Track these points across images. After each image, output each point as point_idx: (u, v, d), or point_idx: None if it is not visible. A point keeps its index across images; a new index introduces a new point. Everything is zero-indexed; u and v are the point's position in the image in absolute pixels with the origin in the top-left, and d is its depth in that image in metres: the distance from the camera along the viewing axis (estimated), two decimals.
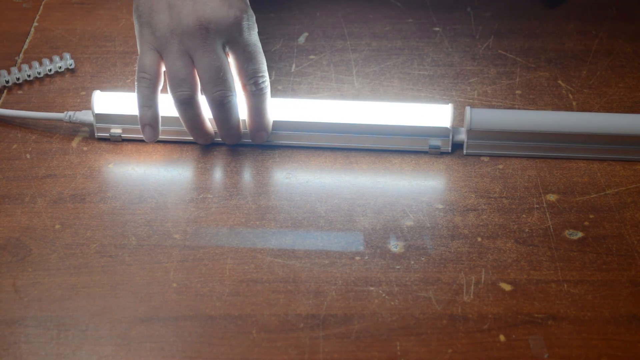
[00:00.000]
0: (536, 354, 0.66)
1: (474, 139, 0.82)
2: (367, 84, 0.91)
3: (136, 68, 0.79)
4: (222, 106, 0.78)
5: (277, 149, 0.83)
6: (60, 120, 0.84)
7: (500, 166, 0.82)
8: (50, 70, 0.91)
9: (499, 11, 1.01)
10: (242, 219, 0.76)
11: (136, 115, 0.81)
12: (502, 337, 0.67)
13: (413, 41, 0.97)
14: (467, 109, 0.81)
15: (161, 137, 0.82)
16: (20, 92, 0.90)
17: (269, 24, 0.99)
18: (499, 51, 0.95)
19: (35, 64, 0.91)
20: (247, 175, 0.81)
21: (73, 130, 0.85)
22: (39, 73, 0.91)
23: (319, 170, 0.81)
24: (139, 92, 0.79)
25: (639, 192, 0.79)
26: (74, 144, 0.84)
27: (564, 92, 0.90)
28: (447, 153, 0.83)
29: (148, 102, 0.79)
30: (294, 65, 0.93)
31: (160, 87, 0.80)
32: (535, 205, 0.78)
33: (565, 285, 0.71)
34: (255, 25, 0.79)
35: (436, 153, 0.83)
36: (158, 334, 0.67)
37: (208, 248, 0.74)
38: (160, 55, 0.78)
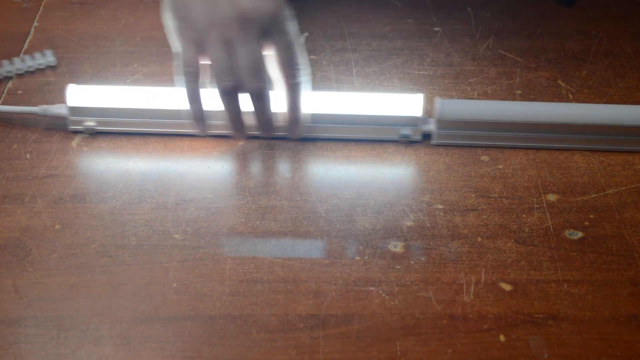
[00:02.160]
0: (536, 354, 0.66)
1: (443, 129, 0.83)
2: (367, 84, 0.91)
3: (179, 63, 0.79)
4: (260, 97, 0.79)
5: (278, 149, 0.83)
6: (35, 114, 0.85)
7: (500, 166, 0.82)
8: (30, 67, 0.92)
9: (499, 11, 1.01)
10: (242, 219, 0.76)
11: (109, 108, 0.82)
12: (502, 337, 0.67)
13: (413, 41, 0.97)
14: (437, 99, 0.82)
15: (161, 130, 0.83)
16: (20, 92, 0.90)
17: None
18: (499, 51, 0.95)
19: (17, 60, 0.92)
20: (247, 175, 0.81)
21: (73, 130, 0.85)
22: (20, 70, 0.92)
23: (318, 164, 0.81)
24: (188, 87, 0.79)
25: (639, 192, 0.79)
26: (74, 144, 0.84)
27: (564, 92, 0.90)
28: (417, 142, 0.84)
29: (196, 96, 0.80)
30: None
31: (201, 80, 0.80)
32: (535, 205, 0.78)
33: (565, 285, 0.71)
34: (292, 19, 0.79)
35: (406, 142, 0.84)
36: (158, 334, 0.67)
37: (208, 248, 0.74)
38: (200, 49, 0.78)
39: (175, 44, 0.79)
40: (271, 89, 0.79)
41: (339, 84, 0.91)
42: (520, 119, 0.82)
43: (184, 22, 0.78)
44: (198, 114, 0.80)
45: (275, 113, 0.81)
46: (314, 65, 0.93)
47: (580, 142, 0.83)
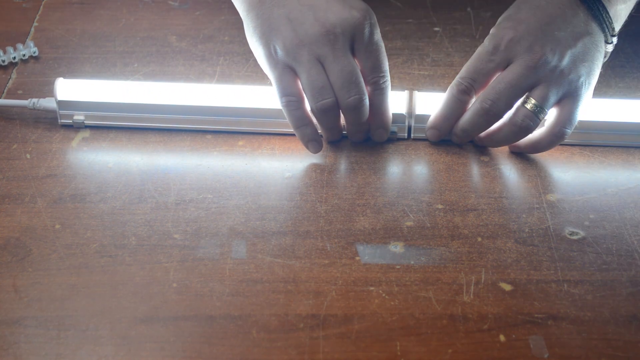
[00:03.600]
0: (536, 354, 0.66)
1: (420, 123, 0.83)
2: None
3: (277, 92, 0.79)
4: (357, 110, 0.79)
5: (277, 149, 0.83)
6: (24, 107, 0.85)
7: (500, 166, 0.82)
8: (14, 58, 0.93)
9: (499, 11, 1.01)
10: (242, 219, 0.76)
11: (100, 102, 0.83)
12: (502, 337, 0.67)
13: (413, 41, 0.97)
14: (414, 93, 0.84)
15: (151, 125, 0.84)
16: (20, 91, 0.90)
17: None
18: None
19: None
20: (247, 175, 0.81)
21: (73, 130, 0.85)
22: (3, 61, 0.92)
23: (318, 164, 0.81)
24: (291, 116, 0.79)
25: (639, 192, 0.79)
26: (74, 144, 0.84)
27: None
28: (403, 139, 0.84)
29: (304, 121, 0.79)
30: None
31: (306, 101, 0.79)
32: (535, 205, 0.78)
33: (565, 285, 0.71)
34: (377, 24, 0.79)
35: (393, 139, 0.84)
36: (158, 334, 0.67)
37: (208, 248, 0.74)
38: (294, 71, 0.78)
39: (268, 72, 0.79)
40: (367, 98, 0.79)
41: None
42: None
43: (272, 47, 0.78)
44: (308, 137, 0.80)
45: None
46: None
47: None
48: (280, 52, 0.78)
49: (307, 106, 0.79)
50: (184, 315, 0.69)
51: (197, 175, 0.81)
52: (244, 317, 0.68)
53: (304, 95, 0.79)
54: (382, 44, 0.79)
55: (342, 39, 0.77)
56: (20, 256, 0.73)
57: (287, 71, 0.78)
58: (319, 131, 0.81)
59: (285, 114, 0.79)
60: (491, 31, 0.80)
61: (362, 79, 0.78)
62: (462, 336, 0.67)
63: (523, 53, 0.78)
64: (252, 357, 0.66)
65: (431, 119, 0.82)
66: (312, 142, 0.80)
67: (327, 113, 0.78)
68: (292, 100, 0.78)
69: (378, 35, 0.79)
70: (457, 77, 0.80)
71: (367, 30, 0.77)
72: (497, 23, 0.81)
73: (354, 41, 0.77)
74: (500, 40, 0.79)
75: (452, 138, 0.83)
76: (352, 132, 0.82)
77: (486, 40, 0.80)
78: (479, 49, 0.80)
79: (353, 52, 0.78)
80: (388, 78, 0.80)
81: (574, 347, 0.66)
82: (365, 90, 0.79)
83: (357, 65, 0.78)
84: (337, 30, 0.76)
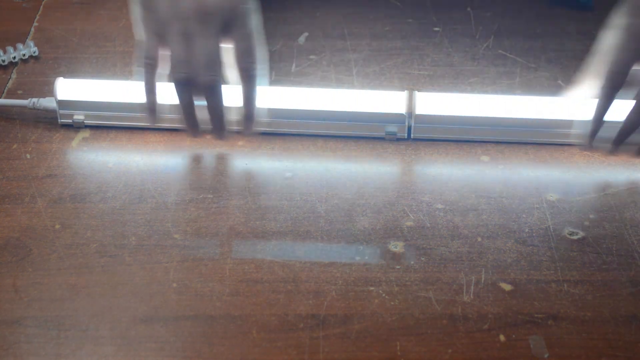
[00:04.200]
0: (536, 354, 0.66)
1: (421, 124, 0.83)
2: (367, 84, 0.91)
3: (139, 54, 0.80)
4: (212, 90, 0.79)
5: (278, 149, 0.83)
6: (24, 106, 0.85)
7: (500, 166, 0.82)
8: (14, 58, 0.93)
9: (499, 11, 1.01)
10: (242, 219, 0.76)
11: (99, 102, 0.83)
12: (502, 337, 0.67)
13: (413, 41, 0.97)
14: (415, 93, 0.83)
15: (150, 124, 0.83)
16: (20, 91, 0.90)
17: (269, 24, 0.99)
18: (499, 51, 0.95)
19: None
20: (247, 175, 0.81)
21: (73, 130, 0.85)
22: (3, 61, 0.92)
23: (318, 164, 0.81)
24: (145, 78, 0.80)
25: (639, 192, 0.79)
26: (74, 144, 0.84)
27: (564, 92, 0.90)
28: (403, 139, 0.84)
29: (153, 87, 0.80)
30: (294, 65, 0.93)
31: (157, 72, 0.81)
32: (535, 205, 0.78)
33: (565, 285, 0.71)
34: (255, 15, 0.80)
35: (392, 139, 0.84)
36: (158, 334, 0.67)
37: (208, 248, 0.74)
38: (161, 40, 0.79)
39: (139, 33, 0.80)
40: (225, 84, 0.79)
41: (339, 84, 0.91)
42: (493, 114, 0.83)
43: (148, 13, 0.79)
44: (151, 105, 0.81)
45: (229, 109, 0.81)
46: (314, 65, 0.93)
47: (524, 135, 0.84)
48: (154, 19, 0.79)
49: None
50: (184, 315, 0.69)
51: (197, 175, 0.81)
52: (244, 317, 0.68)
53: (159, 65, 0.79)
54: (257, 32, 0.80)
55: (215, 20, 0.77)
56: (20, 256, 0.73)
57: (155, 38, 0.79)
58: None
59: (141, 74, 0.80)
60: (619, 21, 0.79)
61: (222, 65, 0.78)
62: (462, 336, 0.67)
63: None
64: (252, 357, 0.66)
65: (603, 128, 0.81)
66: (152, 112, 0.81)
67: (183, 87, 0.79)
68: (150, 63, 0.79)
69: (254, 23, 0.79)
70: (608, 74, 0.79)
71: (243, 16, 0.78)
72: (619, 13, 0.79)
73: (229, 25, 0.78)
74: (637, 29, 0.78)
75: (627, 150, 0.82)
76: (212, 118, 0.81)
77: (618, 31, 0.79)
78: (613, 41, 0.79)
79: (229, 36, 0.79)
80: (260, 67, 0.80)
81: (574, 347, 0.66)
82: (223, 76, 0.79)
83: (221, 50, 0.78)
84: (212, 10, 0.77)
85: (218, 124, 0.81)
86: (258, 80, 0.80)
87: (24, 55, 0.93)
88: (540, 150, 0.83)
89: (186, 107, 0.80)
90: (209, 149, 0.83)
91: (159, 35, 0.78)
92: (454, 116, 0.83)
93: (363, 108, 0.83)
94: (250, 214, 0.77)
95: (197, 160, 0.82)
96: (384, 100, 0.84)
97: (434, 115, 0.83)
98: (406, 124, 0.83)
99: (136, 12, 0.80)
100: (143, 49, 0.79)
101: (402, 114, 0.83)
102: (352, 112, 0.83)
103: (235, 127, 0.83)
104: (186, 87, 0.78)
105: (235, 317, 0.68)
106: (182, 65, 0.78)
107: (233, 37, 0.79)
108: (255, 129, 0.83)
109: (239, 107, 0.81)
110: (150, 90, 0.80)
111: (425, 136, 0.84)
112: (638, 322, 0.68)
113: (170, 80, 0.79)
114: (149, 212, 0.77)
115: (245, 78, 0.80)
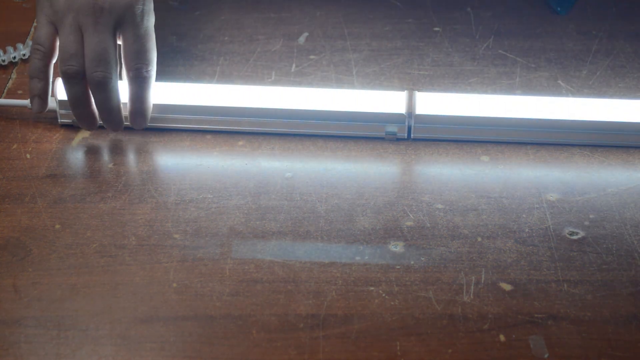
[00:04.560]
0: (536, 354, 0.66)
1: (421, 124, 0.83)
2: (367, 84, 0.91)
3: (33, 39, 0.80)
4: (100, 87, 0.79)
5: (278, 149, 0.83)
6: (25, 106, 0.85)
7: (501, 166, 0.82)
8: (14, 57, 0.93)
9: (499, 11, 1.01)
10: (242, 219, 0.76)
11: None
12: (502, 337, 0.67)
13: (413, 41, 0.97)
14: (415, 93, 0.83)
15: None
16: (20, 91, 0.90)
17: (269, 24, 0.99)
18: (499, 51, 0.95)
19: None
20: (246, 175, 0.81)
21: (73, 130, 0.85)
22: (3, 61, 0.93)
23: (318, 164, 0.81)
24: (32, 64, 0.80)
25: (639, 192, 0.79)
26: (74, 144, 0.84)
27: (564, 92, 0.90)
28: (403, 139, 0.84)
29: (40, 74, 0.81)
30: (294, 65, 0.93)
31: (53, 61, 0.81)
32: (535, 205, 0.78)
33: (565, 285, 0.71)
34: (152, 14, 0.81)
35: (392, 139, 0.84)
36: (158, 334, 0.67)
37: (208, 248, 0.74)
38: (56, 30, 0.79)
39: (36, 19, 0.81)
40: (115, 80, 0.80)
41: (339, 84, 0.91)
42: (502, 115, 0.83)
43: (46, 1, 0.79)
44: (35, 91, 0.81)
45: (124, 105, 0.82)
46: (314, 65, 0.93)
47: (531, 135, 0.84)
48: (50, 9, 0.79)
49: (52, 66, 0.81)
50: (184, 315, 0.69)
51: (197, 175, 0.81)
52: (244, 317, 0.68)
53: (54, 53, 0.80)
54: (150, 33, 0.80)
55: (108, 15, 0.78)
56: (20, 256, 0.73)
57: (50, 26, 0.79)
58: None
59: (29, 62, 0.80)
60: None
61: (114, 60, 0.79)
62: (462, 336, 0.67)
63: None
64: (252, 357, 0.66)
65: None
66: (37, 97, 0.81)
67: (70, 80, 0.79)
68: (39, 49, 0.79)
69: (149, 24, 0.80)
70: None
71: (137, 14, 0.79)
72: None
73: (123, 22, 0.78)
74: None
75: None
76: (102, 114, 0.81)
77: None
78: None
79: (121, 34, 0.79)
80: (152, 68, 0.80)
81: (574, 347, 0.66)
82: (115, 72, 0.79)
83: (114, 45, 0.79)
84: (106, 6, 0.78)
85: (109, 120, 0.82)
86: (146, 80, 0.80)
87: (23, 55, 0.93)
88: (540, 150, 0.83)
89: (73, 100, 0.80)
90: (208, 149, 0.83)
91: (54, 25, 0.79)
92: (454, 116, 0.83)
93: (363, 108, 0.83)
94: (250, 214, 0.77)
95: (197, 160, 0.82)
96: (384, 100, 0.84)
97: (434, 115, 0.83)
98: (406, 124, 0.83)
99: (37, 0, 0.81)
100: (35, 35, 0.80)
101: (402, 114, 0.83)
102: (352, 112, 0.83)
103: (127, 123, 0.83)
104: (74, 80, 0.79)
105: (235, 317, 0.68)
106: (70, 58, 0.78)
107: (124, 36, 0.79)
108: (145, 124, 0.83)
109: (129, 104, 0.81)
110: (37, 77, 0.80)
111: (425, 136, 0.84)
112: (638, 322, 0.68)
113: (59, 73, 0.80)
114: (149, 212, 0.77)
115: (133, 78, 0.80)
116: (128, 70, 0.80)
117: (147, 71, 0.80)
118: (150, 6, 0.80)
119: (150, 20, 0.80)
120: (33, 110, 0.82)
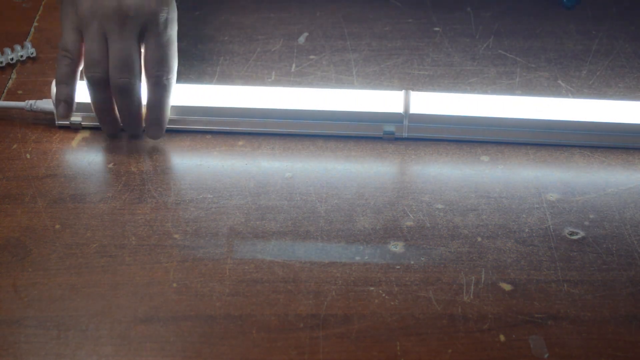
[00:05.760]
0: (536, 354, 0.66)
1: (417, 123, 0.83)
2: (367, 84, 0.91)
3: (60, 45, 0.80)
4: (124, 93, 0.79)
5: (278, 149, 0.83)
6: (22, 108, 0.85)
7: (501, 166, 0.82)
8: (12, 59, 0.93)
9: (499, 11, 1.01)
10: (242, 219, 0.76)
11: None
12: (502, 337, 0.67)
13: (413, 41, 0.97)
14: (409, 92, 0.83)
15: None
16: (20, 92, 0.90)
17: (269, 24, 0.99)
18: (499, 51, 0.95)
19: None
20: (246, 175, 0.81)
21: (73, 130, 0.85)
22: (1, 62, 0.92)
23: (318, 164, 0.81)
24: (59, 70, 0.80)
25: (639, 192, 0.79)
26: (74, 143, 0.84)
27: (564, 92, 0.90)
28: (401, 138, 0.84)
29: (66, 79, 0.81)
30: (294, 65, 0.93)
31: (80, 67, 0.81)
32: (535, 205, 0.78)
33: (565, 285, 0.71)
34: (175, 23, 0.81)
35: (390, 139, 0.84)
36: (158, 334, 0.67)
37: (208, 248, 0.74)
38: (81, 37, 0.80)
39: (61, 27, 0.81)
40: (138, 86, 0.80)
41: (339, 84, 0.91)
42: (496, 115, 0.83)
43: (71, 7, 0.80)
44: (62, 97, 0.81)
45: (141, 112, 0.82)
46: (314, 65, 0.93)
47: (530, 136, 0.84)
48: (75, 15, 0.79)
49: (78, 72, 0.81)
50: (184, 315, 0.69)
51: (197, 175, 0.81)
52: (244, 317, 0.68)
53: (81, 60, 0.80)
54: (174, 42, 0.80)
55: (133, 22, 0.78)
56: (20, 256, 0.73)
57: (75, 32, 0.79)
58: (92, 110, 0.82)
59: (56, 68, 0.80)
60: None
61: (138, 66, 0.79)
62: (462, 336, 0.67)
63: None
64: (252, 357, 0.66)
65: None
66: (63, 103, 0.81)
67: (95, 87, 0.79)
68: (67, 56, 0.80)
69: (172, 32, 0.80)
70: None
71: (161, 22, 0.79)
72: None
73: (146, 30, 0.79)
74: None
75: None
76: (124, 119, 0.82)
77: None
78: None
79: (144, 41, 0.79)
80: (173, 77, 0.80)
81: (574, 347, 0.66)
82: (139, 78, 0.79)
83: (138, 52, 0.79)
84: (131, 13, 0.78)
85: (130, 125, 0.82)
86: (167, 88, 0.80)
87: (21, 56, 0.93)
88: (540, 150, 0.83)
89: (98, 106, 0.81)
90: (208, 149, 0.83)
91: (80, 32, 0.79)
92: (452, 116, 0.83)
93: (360, 108, 0.83)
94: (250, 214, 0.77)
95: (197, 160, 0.82)
96: (382, 100, 0.84)
97: (431, 115, 0.83)
98: (404, 123, 0.83)
99: (61, 7, 0.81)
100: (61, 41, 0.80)
101: (399, 114, 0.83)
102: (350, 111, 0.83)
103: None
104: (98, 86, 0.79)
105: (235, 317, 0.68)
106: (95, 65, 0.78)
107: (146, 43, 0.79)
108: (161, 133, 0.83)
109: (146, 111, 0.81)
110: (63, 82, 0.80)
111: (422, 136, 0.84)
112: (638, 322, 0.68)
113: (85, 79, 0.80)
114: (149, 212, 0.77)
115: (153, 86, 0.80)
116: (148, 78, 0.80)
117: (167, 79, 0.80)
118: (174, 15, 0.80)
119: (174, 29, 0.80)
120: (59, 115, 0.82)
